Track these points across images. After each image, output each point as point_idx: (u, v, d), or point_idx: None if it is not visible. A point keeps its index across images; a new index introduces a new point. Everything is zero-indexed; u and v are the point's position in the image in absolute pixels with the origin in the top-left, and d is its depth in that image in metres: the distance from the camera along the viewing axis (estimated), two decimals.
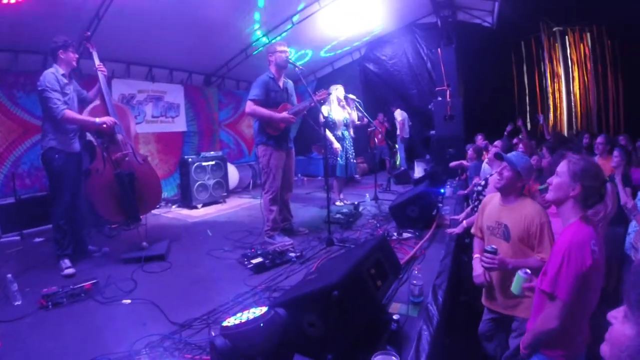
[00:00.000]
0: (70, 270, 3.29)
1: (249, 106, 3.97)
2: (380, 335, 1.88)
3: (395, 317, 1.90)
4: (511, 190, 2.32)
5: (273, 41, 6.80)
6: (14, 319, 2.49)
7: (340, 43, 8.56)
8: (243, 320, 1.48)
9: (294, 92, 4.37)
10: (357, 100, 5.81)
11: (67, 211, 3.51)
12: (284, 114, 3.97)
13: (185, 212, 6.02)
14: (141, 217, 3.89)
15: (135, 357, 1.94)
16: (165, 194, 6.92)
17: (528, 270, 1.86)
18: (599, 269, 1.57)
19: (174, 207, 6.38)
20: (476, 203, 4.06)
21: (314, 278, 2.19)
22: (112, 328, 2.35)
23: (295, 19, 6.71)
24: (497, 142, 5.29)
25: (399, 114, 9.20)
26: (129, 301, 2.75)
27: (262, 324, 1.43)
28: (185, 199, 6.30)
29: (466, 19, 8.14)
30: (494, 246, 2.09)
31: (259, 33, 6.88)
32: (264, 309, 1.53)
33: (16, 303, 2.70)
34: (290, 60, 4.00)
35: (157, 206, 5.59)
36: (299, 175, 8.92)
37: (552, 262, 1.61)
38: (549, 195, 1.73)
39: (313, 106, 4.03)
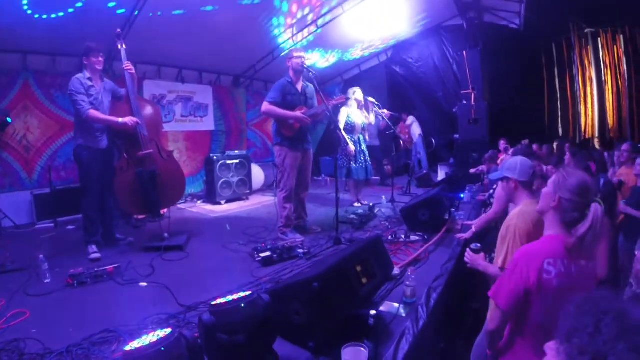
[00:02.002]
0: (96, 255, 3.63)
1: (265, 106, 4.18)
2: (361, 330, 2.00)
3: (372, 313, 2.00)
4: (513, 193, 2.23)
5: (299, 44, 7.04)
6: (43, 294, 2.83)
7: (366, 45, 8.66)
8: (228, 301, 1.67)
9: (314, 96, 4.49)
10: (376, 103, 5.91)
11: (95, 202, 3.84)
12: (297, 113, 4.14)
13: (209, 207, 6.32)
14: (163, 211, 4.18)
15: (143, 331, 2.17)
16: (192, 190, 7.29)
17: None
18: (550, 290, 1.47)
19: (199, 202, 6.71)
20: (489, 210, 4.05)
21: (307, 271, 2.36)
22: (127, 306, 2.63)
23: (320, 22, 6.89)
24: (511, 150, 5.22)
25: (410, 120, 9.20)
26: (145, 284, 3.03)
27: (242, 305, 1.62)
28: (210, 195, 6.59)
29: (493, 20, 8.00)
30: (478, 244, 2.14)
31: (285, 36, 7.10)
32: (248, 293, 1.71)
33: (46, 281, 3.04)
34: (305, 66, 4.16)
35: (181, 200, 5.90)
36: (323, 175, 9.06)
37: (505, 270, 1.60)
38: (538, 206, 1.69)
39: (330, 110, 4.17)
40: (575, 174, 1.57)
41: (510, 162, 2.23)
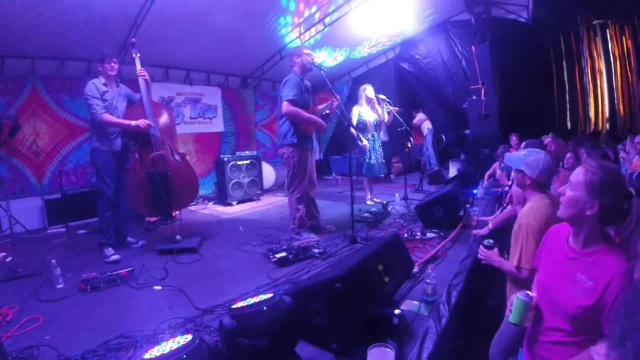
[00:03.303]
0: (116, 257, 3.63)
1: (288, 106, 3.92)
2: (384, 330, 1.93)
3: (396, 312, 1.93)
4: (524, 187, 2.19)
5: (306, 42, 6.97)
6: (56, 300, 2.79)
7: (373, 43, 8.58)
8: (249, 304, 1.60)
9: None
10: (387, 100, 5.82)
11: (111, 204, 3.86)
12: (321, 122, 4.10)
13: (220, 208, 6.27)
14: (174, 213, 4.14)
15: (159, 335, 2.12)
16: (203, 192, 7.24)
17: (529, 293, 1.54)
18: None
19: (210, 204, 6.66)
20: (505, 205, 3.95)
21: (327, 272, 2.28)
22: (142, 310, 2.58)
23: (327, 20, 6.82)
24: (523, 144, 5.11)
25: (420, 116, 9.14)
26: (159, 287, 2.98)
27: (265, 308, 1.54)
28: (221, 196, 6.54)
29: (501, 14, 7.83)
30: (491, 240, 2.09)
31: (292, 35, 7.03)
32: (270, 295, 1.64)
33: (58, 286, 3.01)
34: (316, 64, 4.07)
35: (193, 203, 5.87)
36: (334, 174, 8.99)
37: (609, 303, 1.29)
38: (561, 212, 1.44)
39: (342, 107, 4.09)
40: (603, 167, 1.36)
41: (532, 159, 2.11)
